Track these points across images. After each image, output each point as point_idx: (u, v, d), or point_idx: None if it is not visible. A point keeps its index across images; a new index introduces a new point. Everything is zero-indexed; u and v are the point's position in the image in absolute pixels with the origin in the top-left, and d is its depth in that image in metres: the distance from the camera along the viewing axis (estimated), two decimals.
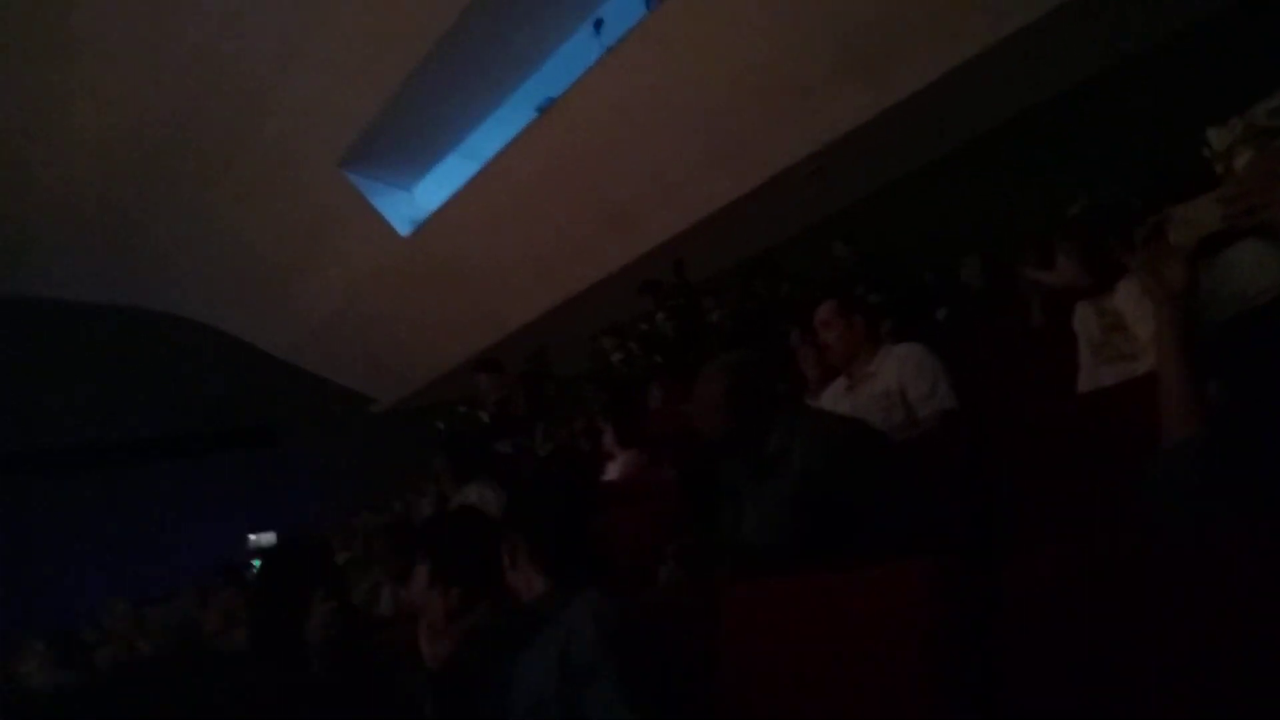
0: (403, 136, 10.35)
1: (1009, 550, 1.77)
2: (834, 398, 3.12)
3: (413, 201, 11.38)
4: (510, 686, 1.62)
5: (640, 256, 9.62)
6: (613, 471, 4.97)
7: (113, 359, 13.37)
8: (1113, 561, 1.29)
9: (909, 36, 7.01)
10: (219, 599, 3.36)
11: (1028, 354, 3.83)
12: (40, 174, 10.76)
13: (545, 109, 9.60)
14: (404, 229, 11.12)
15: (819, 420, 2.28)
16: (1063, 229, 2.99)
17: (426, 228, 10.97)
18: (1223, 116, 1.46)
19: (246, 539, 4.49)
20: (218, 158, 10.62)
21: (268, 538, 4.12)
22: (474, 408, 6.85)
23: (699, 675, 1.73)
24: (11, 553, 11.65)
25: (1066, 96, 7.38)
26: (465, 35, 8.72)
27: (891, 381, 2.90)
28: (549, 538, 1.82)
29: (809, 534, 2.09)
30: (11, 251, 12.04)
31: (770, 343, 5.79)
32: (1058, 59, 6.97)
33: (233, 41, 9.12)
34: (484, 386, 6.31)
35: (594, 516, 3.35)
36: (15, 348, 12.90)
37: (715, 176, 8.61)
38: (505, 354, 9.71)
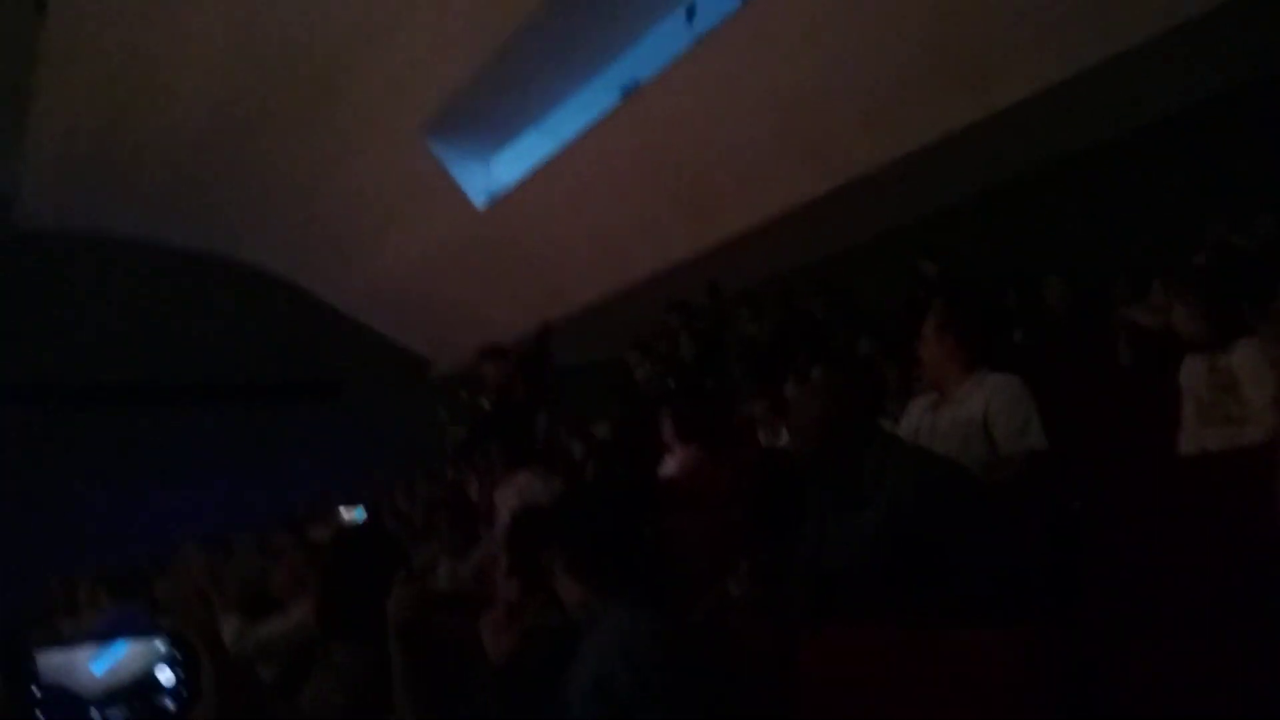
0: (487, 109, 10.42)
1: (1104, 627, 1.73)
2: (917, 414, 3.04)
3: (489, 174, 11.46)
4: (566, 691, 1.62)
5: (711, 248, 9.58)
6: (670, 466, 4.95)
7: (190, 304, 13.80)
8: (1221, 663, 1.25)
9: (1014, 47, 6.81)
10: (289, 560, 3.44)
11: (1113, 395, 3.71)
12: (140, 122, 11.10)
13: (630, 93, 9.57)
14: (479, 201, 11.21)
15: (915, 455, 2.25)
16: (1186, 276, 2.86)
17: (501, 201, 11.05)
18: None
19: (337, 511, 4.62)
20: (308, 114, 10.82)
21: (358, 513, 4.24)
22: (476, 394, 6.81)
23: (763, 707, 1.72)
24: (75, 486, 12.16)
25: (1175, 121, 7.10)
26: (559, 12, 8.73)
27: (978, 411, 2.80)
28: (584, 546, 1.79)
29: (890, 569, 2.07)
30: (109, 193, 12.48)
31: (800, 362, 5.64)
32: (1168, 81, 6.70)
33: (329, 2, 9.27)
34: (487, 373, 6.18)
35: (651, 516, 3.37)
36: (98, 284, 13.41)
37: (796, 174, 8.49)
38: (560, 334, 9.78)
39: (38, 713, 0.87)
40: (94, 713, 0.89)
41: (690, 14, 8.99)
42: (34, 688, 0.89)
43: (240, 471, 12.63)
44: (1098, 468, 2.65)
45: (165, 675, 0.91)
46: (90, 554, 8.39)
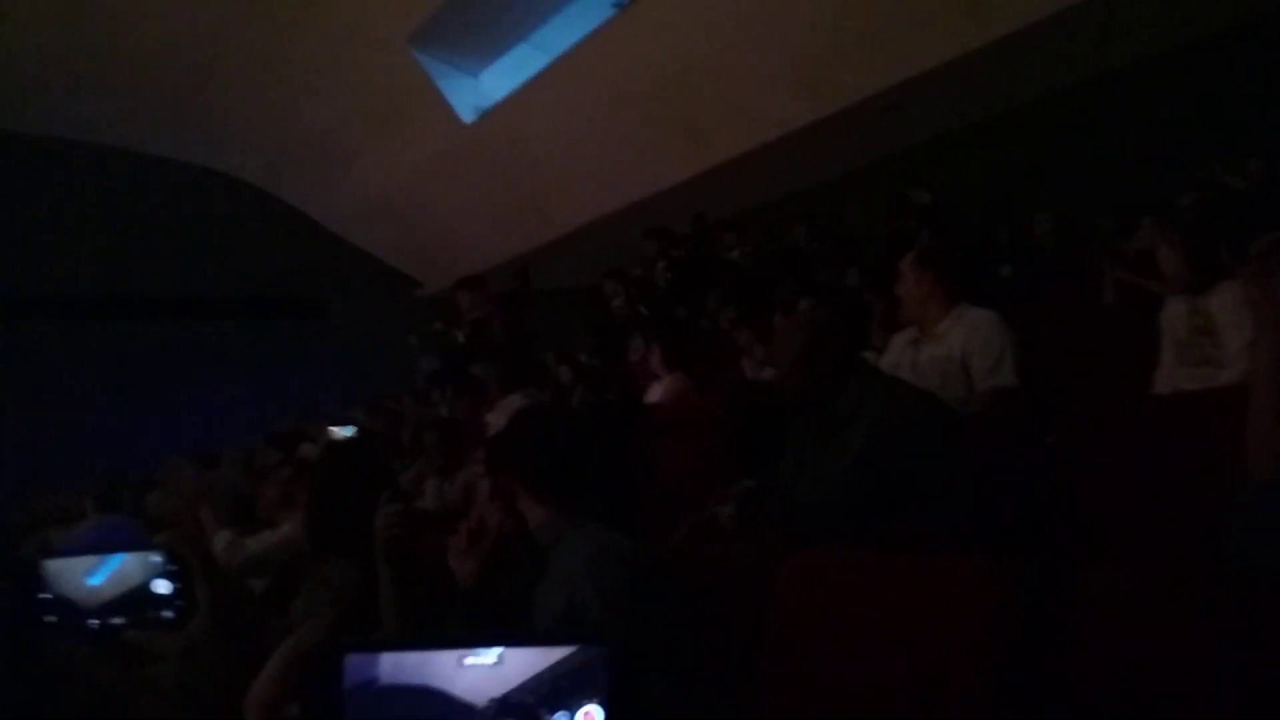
0: (475, 20, 10.10)
1: (1069, 557, 1.79)
2: (899, 349, 3.07)
3: (478, 89, 11.18)
4: (536, 614, 1.63)
5: (702, 172, 9.47)
6: (656, 393, 5.01)
7: (171, 215, 13.54)
8: (1180, 594, 1.30)
9: None
10: (278, 476, 3.48)
11: (1096, 334, 3.75)
12: (124, 25, 10.69)
13: (624, 6, 9.30)
14: (467, 116, 10.97)
15: (892, 388, 2.29)
16: (1170, 218, 2.87)
17: (490, 117, 10.82)
18: None
19: (328, 431, 4.61)
20: (290, 21, 10.46)
21: (347, 430, 4.25)
22: (450, 326, 6.73)
23: (739, 634, 1.78)
24: (59, 400, 12.14)
25: (1171, 58, 7.00)
26: None
27: (956, 348, 2.83)
28: (540, 463, 1.78)
29: (866, 500, 2.13)
30: (83, 96, 12.10)
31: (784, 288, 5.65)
32: (1166, 17, 6.59)
33: None
34: (464, 304, 6.07)
35: (634, 441, 3.41)
36: (75, 190, 13.10)
37: (792, 98, 8.35)
38: (547, 258, 9.72)
39: (44, 619, 0.91)
40: (93, 622, 0.92)
41: None
42: (40, 595, 0.92)
43: (226, 387, 12.63)
44: (1075, 403, 2.70)
45: (162, 587, 0.94)
46: (79, 467, 8.44)
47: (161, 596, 0.94)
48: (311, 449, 5.23)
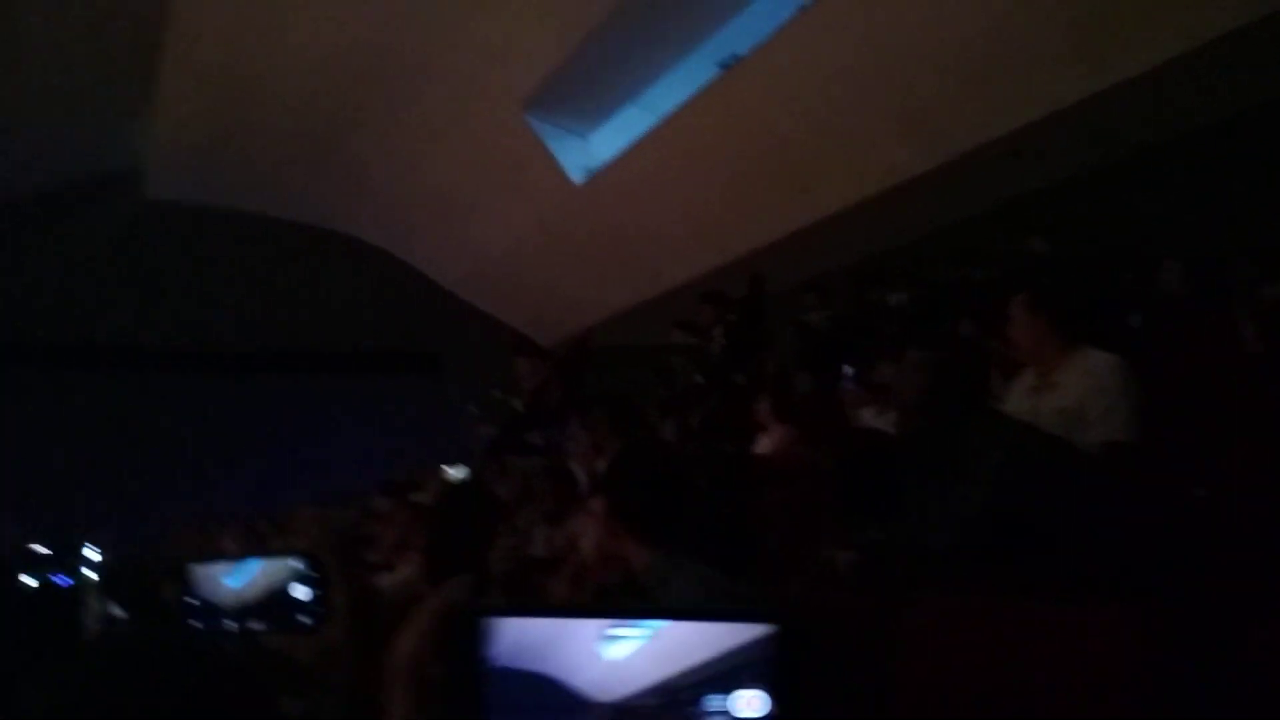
0: (585, 84, 10.47)
1: (1227, 609, 1.65)
2: (1018, 397, 2.96)
3: (587, 150, 11.53)
4: None
5: (811, 225, 9.44)
6: (764, 445, 4.95)
7: (300, 275, 14.40)
8: None
9: (1133, 18, 6.46)
10: (395, 521, 3.58)
11: (1238, 383, 3.50)
12: (256, 100, 11.59)
13: (728, 66, 9.47)
14: (577, 176, 11.31)
15: (1019, 432, 2.19)
16: None
17: (599, 177, 11.11)
18: None
19: (441, 470, 4.75)
20: (410, 89, 11.08)
21: (460, 471, 4.37)
22: (509, 394, 6.70)
23: (864, 681, 1.71)
24: (191, 445, 12.92)
25: None
26: None
27: (1072, 398, 2.71)
28: (637, 505, 1.74)
29: (993, 546, 2.03)
30: (227, 168, 13.12)
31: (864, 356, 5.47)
32: None
33: None
34: (522, 372, 6.05)
35: (747, 491, 3.37)
36: (215, 254, 14.13)
37: (902, 148, 8.27)
38: (656, 313, 9.77)
39: (189, 620, 0.95)
40: (231, 623, 0.96)
41: None
42: (187, 597, 0.97)
43: (348, 438, 13.17)
44: (1222, 453, 2.52)
45: (300, 592, 0.97)
46: (215, 510, 8.92)
47: (300, 601, 0.97)
48: (425, 495, 5.37)
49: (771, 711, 0.48)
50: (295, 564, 0.97)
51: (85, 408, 12.88)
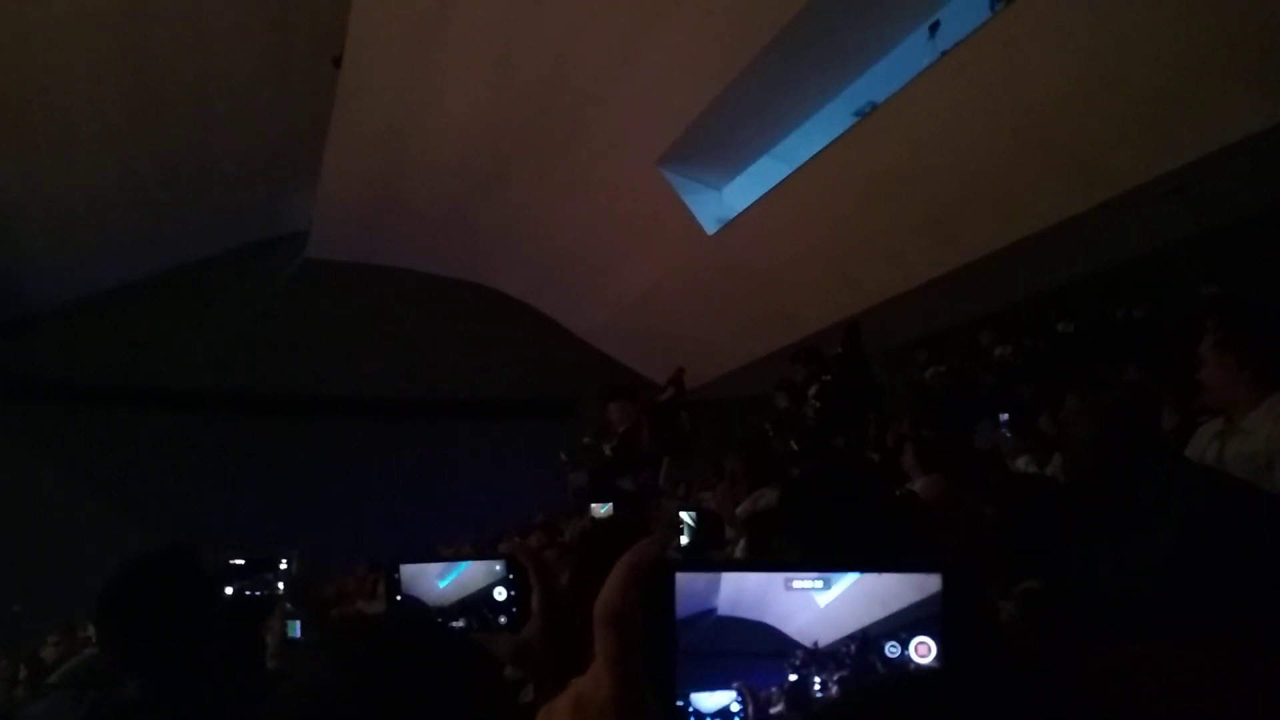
0: (721, 138, 10.65)
1: None
2: (1204, 442, 2.76)
3: (721, 201, 11.68)
4: None
5: (954, 269, 9.17)
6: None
7: (447, 326, 15.16)
8: None
9: None
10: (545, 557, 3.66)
11: None
12: (410, 164, 12.42)
13: (865, 114, 9.42)
14: (710, 227, 11.45)
15: (1209, 475, 2.05)
16: None
17: (732, 227, 11.21)
18: None
19: (591, 508, 4.85)
20: (554, 148, 11.59)
21: (605, 509, 4.46)
22: (599, 439, 6.52)
23: None
24: (342, 488, 13.67)
25: None
26: (796, 37, 8.74)
27: (1260, 443, 2.50)
28: (812, 528, 1.74)
29: (1181, 598, 1.89)
30: (382, 227, 14.06)
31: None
32: None
33: (577, 37, 9.86)
34: (613, 416, 5.92)
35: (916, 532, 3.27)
36: (372, 308, 15.08)
37: (1050, 190, 7.94)
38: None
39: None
40: (439, 620, 1.02)
41: (933, 30, 8.74)
42: (398, 596, 1.04)
43: (489, 481, 13.63)
44: None
45: (500, 593, 1.02)
46: (360, 554, 9.37)
47: (500, 602, 1.02)
48: (572, 531, 5.43)
49: (939, 656, 0.52)
50: (497, 568, 1.03)
51: (256, 449, 13.92)
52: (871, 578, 0.53)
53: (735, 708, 0.53)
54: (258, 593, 2.22)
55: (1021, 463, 4.74)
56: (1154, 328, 6.31)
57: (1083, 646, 1.72)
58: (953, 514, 3.72)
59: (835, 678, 0.53)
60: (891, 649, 0.52)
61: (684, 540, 2.76)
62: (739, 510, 4.49)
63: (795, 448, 6.51)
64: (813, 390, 6.69)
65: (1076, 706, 0.40)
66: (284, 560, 2.23)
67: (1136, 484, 2.04)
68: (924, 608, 0.52)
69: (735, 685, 0.53)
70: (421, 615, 0.96)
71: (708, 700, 0.52)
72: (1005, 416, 5.25)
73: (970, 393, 6.04)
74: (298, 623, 2.51)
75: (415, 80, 10.82)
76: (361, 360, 14.77)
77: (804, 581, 0.53)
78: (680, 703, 0.52)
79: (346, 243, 14.58)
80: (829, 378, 6.66)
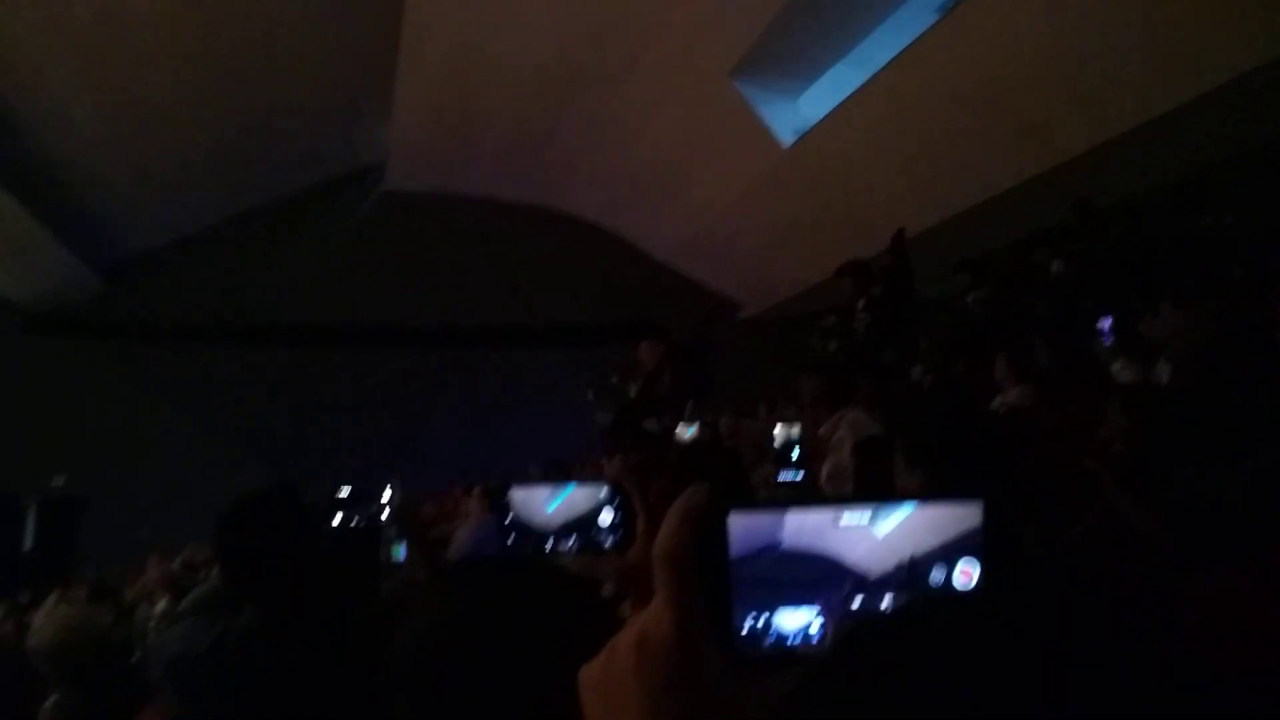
0: (793, 46, 10.25)
1: None
2: None
3: (797, 111, 11.31)
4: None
5: (1042, 173, 8.74)
6: (999, 405, 4.67)
7: (522, 253, 15.28)
8: None
9: None
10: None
11: None
12: (481, 92, 12.36)
13: (948, 10, 8.91)
14: (786, 139, 11.12)
15: None
16: None
17: (809, 138, 10.87)
18: None
19: (676, 432, 4.93)
20: (622, 67, 11.37)
21: (690, 430, 4.54)
22: (625, 380, 6.39)
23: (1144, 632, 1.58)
24: (409, 417, 14.11)
25: None
26: None
27: None
28: (927, 439, 1.76)
29: None
30: (455, 157, 14.12)
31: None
32: None
33: None
34: (643, 357, 5.80)
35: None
36: (447, 238, 15.27)
37: (1153, 81, 7.43)
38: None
39: (509, 539, 1.06)
40: (549, 542, 1.06)
41: None
42: (508, 519, 1.07)
43: (566, 406, 13.86)
44: None
45: (606, 517, 1.05)
46: (447, 478, 9.68)
47: (606, 525, 1.05)
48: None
49: (981, 580, 0.56)
50: (603, 492, 1.05)
51: (345, 382, 14.47)
52: (921, 509, 0.56)
53: (815, 629, 0.56)
54: (364, 521, 2.33)
55: (1116, 369, 4.58)
56: (1247, 234, 5.92)
57: (1185, 570, 1.68)
58: (1052, 427, 3.63)
59: (886, 604, 0.56)
60: (937, 575, 0.56)
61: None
62: (821, 431, 4.47)
63: (842, 360, 6.36)
64: (861, 303, 6.55)
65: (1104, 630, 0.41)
66: (386, 488, 2.34)
67: (1253, 396, 1.95)
68: (969, 536, 0.56)
69: (813, 608, 0.56)
70: (528, 556, 1.00)
71: (789, 622, 0.56)
72: (1107, 322, 5.04)
73: (1015, 317, 5.75)
74: (401, 546, 2.64)
75: (481, 4, 10.68)
76: (441, 290, 15.04)
77: (853, 516, 0.56)
78: (762, 624, 0.56)
79: (423, 173, 14.70)
80: (877, 290, 6.50)
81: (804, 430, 4.99)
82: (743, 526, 0.55)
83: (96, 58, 10.85)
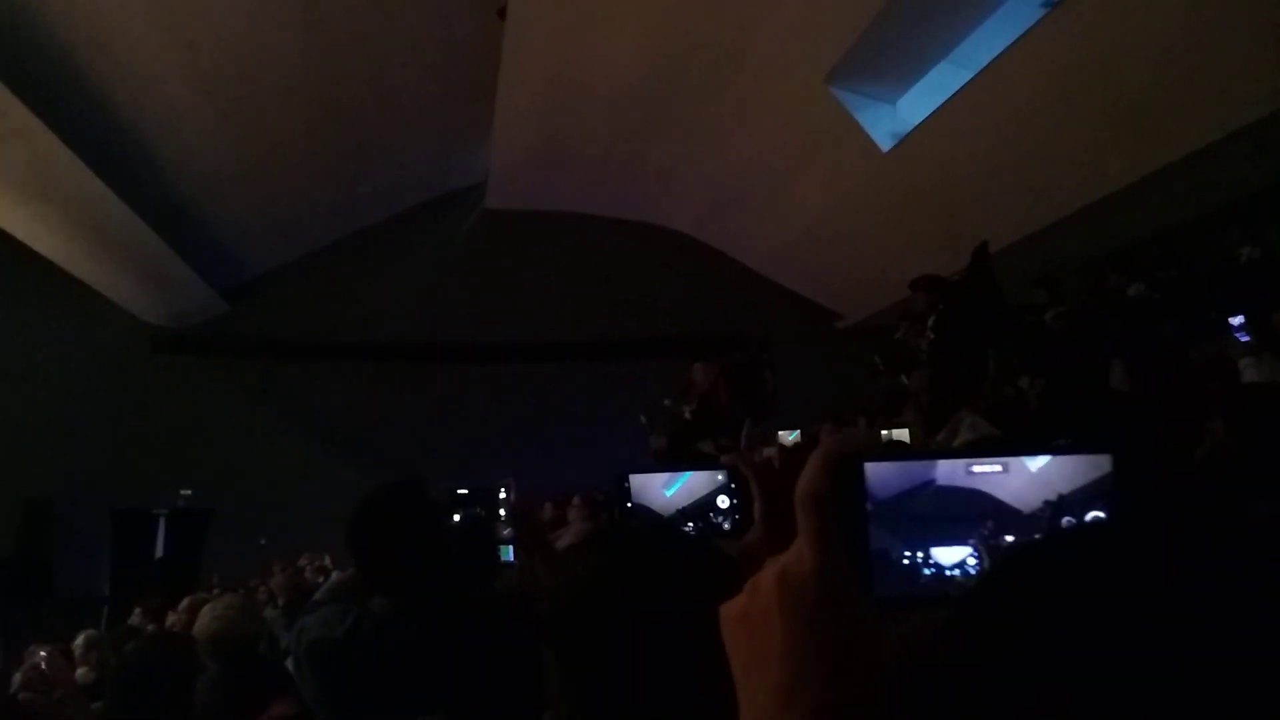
0: (891, 48, 10.06)
1: None
2: None
3: (895, 115, 11.09)
4: None
5: (1157, 171, 8.34)
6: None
7: (617, 267, 15.47)
8: None
9: None
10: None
11: None
12: (576, 108, 12.60)
13: (1055, 4, 8.60)
14: (885, 144, 10.92)
15: None
16: None
17: (908, 142, 10.65)
18: None
19: (779, 436, 4.90)
20: (717, 78, 11.39)
21: (793, 435, 4.56)
22: (679, 402, 6.18)
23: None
24: (516, 429, 14.39)
25: None
26: None
27: None
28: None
29: None
30: (552, 173, 14.44)
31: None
32: None
33: None
34: (697, 377, 5.63)
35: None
36: (544, 253, 15.60)
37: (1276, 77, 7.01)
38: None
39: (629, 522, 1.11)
40: (671, 524, 1.10)
41: None
42: (629, 504, 1.12)
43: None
44: None
45: (723, 501, 1.09)
46: (550, 487, 9.88)
47: (724, 509, 1.09)
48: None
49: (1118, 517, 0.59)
50: (719, 477, 1.09)
51: (452, 394, 14.94)
52: (1053, 460, 0.59)
53: (971, 561, 0.59)
54: (482, 518, 2.44)
55: (1244, 365, 4.36)
56: None
57: None
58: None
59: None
60: (1069, 523, 0.58)
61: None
62: (940, 437, 4.39)
63: (905, 382, 6.18)
64: (931, 320, 6.15)
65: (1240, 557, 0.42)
66: (502, 490, 2.45)
67: None
68: (1100, 485, 0.59)
69: (970, 541, 0.59)
70: (659, 519, 1.05)
71: (946, 555, 0.59)
72: (1240, 319, 4.78)
73: (1095, 335, 5.45)
74: (510, 548, 2.73)
75: (578, 23, 10.90)
76: (540, 305, 15.37)
77: (985, 466, 0.59)
78: (921, 555, 0.59)
79: (521, 191, 15.06)
80: (947, 306, 6.09)
81: (913, 433, 4.91)
82: (892, 470, 0.59)
83: (231, 105, 11.61)
